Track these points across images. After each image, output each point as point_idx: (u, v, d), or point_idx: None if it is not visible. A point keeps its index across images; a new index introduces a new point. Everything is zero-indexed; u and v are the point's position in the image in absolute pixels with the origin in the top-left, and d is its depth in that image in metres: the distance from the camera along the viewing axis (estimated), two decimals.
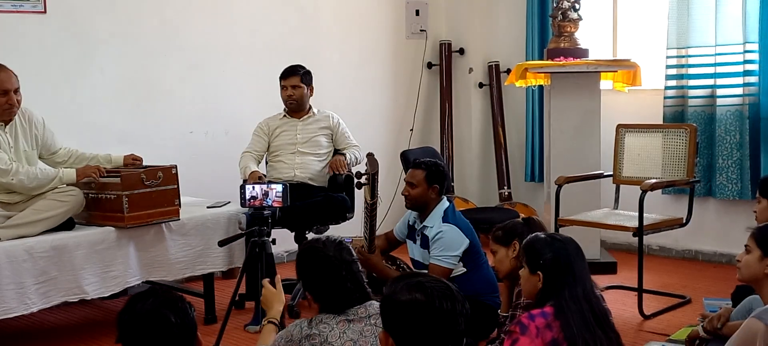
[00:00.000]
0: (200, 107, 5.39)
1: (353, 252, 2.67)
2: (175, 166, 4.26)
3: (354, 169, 4.64)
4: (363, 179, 3.72)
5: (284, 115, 4.96)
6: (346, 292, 2.58)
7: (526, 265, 2.70)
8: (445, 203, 3.96)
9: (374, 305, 2.60)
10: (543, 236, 2.73)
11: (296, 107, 4.90)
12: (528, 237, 2.76)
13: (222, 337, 3.82)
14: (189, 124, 5.34)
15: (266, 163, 5.03)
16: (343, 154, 4.87)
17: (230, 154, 5.05)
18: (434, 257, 3.85)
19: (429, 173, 3.94)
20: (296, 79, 4.86)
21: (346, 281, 2.58)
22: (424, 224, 3.94)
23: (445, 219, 3.90)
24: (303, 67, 4.93)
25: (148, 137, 5.12)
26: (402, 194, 4.02)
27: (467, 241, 3.86)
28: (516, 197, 6.38)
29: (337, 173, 4.76)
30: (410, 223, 4.08)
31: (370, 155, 3.79)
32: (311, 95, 4.95)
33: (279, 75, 4.94)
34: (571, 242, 2.69)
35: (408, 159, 5.01)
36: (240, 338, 4.16)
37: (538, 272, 2.64)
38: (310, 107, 4.98)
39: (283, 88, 4.89)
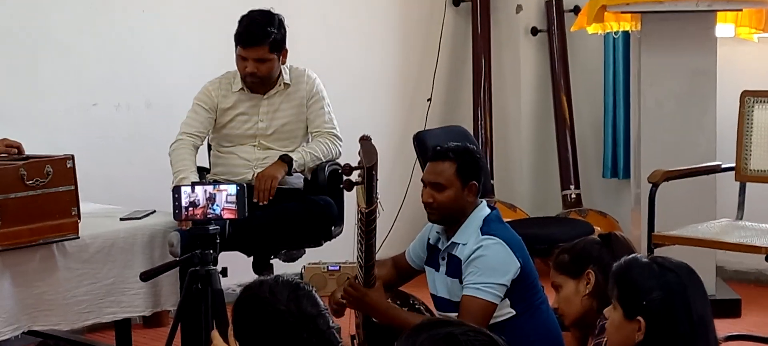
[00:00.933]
0: (108, 68, 5.39)
1: (319, 300, 2.66)
2: (72, 157, 4.24)
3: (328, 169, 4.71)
4: (355, 176, 3.62)
5: (241, 88, 4.86)
6: None
7: (620, 305, 2.70)
8: (484, 209, 3.95)
9: None
10: (646, 261, 2.73)
11: (260, 84, 4.84)
12: (620, 262, 2.76)
13: None
14: (91, 93, 5.35)
15: (209, 151, 5.03)
16: (288, 158, 4.70)
17: (155, 137, 5.07)
18: (470, 286, 3.80)
19: (462, 165, 3.90)
20: (262, 51, 4.70)
21: None
22: (454, 240, 3.93)
23: (487, 230, 3.87)
24: (274, 28, 4.70)
25: (28, 112, 5.13)
26: (423, 202, 3.98)
27: (518, 264, 3.85)
28: (588, 202, 6.43)
29: (256, 200, 4.58)
30: (431, 241, 4.09)
31: (364, 141, 3.72)
32: (284, 61, 4.83)
33: (234, 34, 4.72)
34: (688, 273, 2.69)
35: (425, 144, 5.00)
36: None
37: (639, 318, 2.64)
38: (281, 74, 4.87)
39: (241, 58, 4.75)
